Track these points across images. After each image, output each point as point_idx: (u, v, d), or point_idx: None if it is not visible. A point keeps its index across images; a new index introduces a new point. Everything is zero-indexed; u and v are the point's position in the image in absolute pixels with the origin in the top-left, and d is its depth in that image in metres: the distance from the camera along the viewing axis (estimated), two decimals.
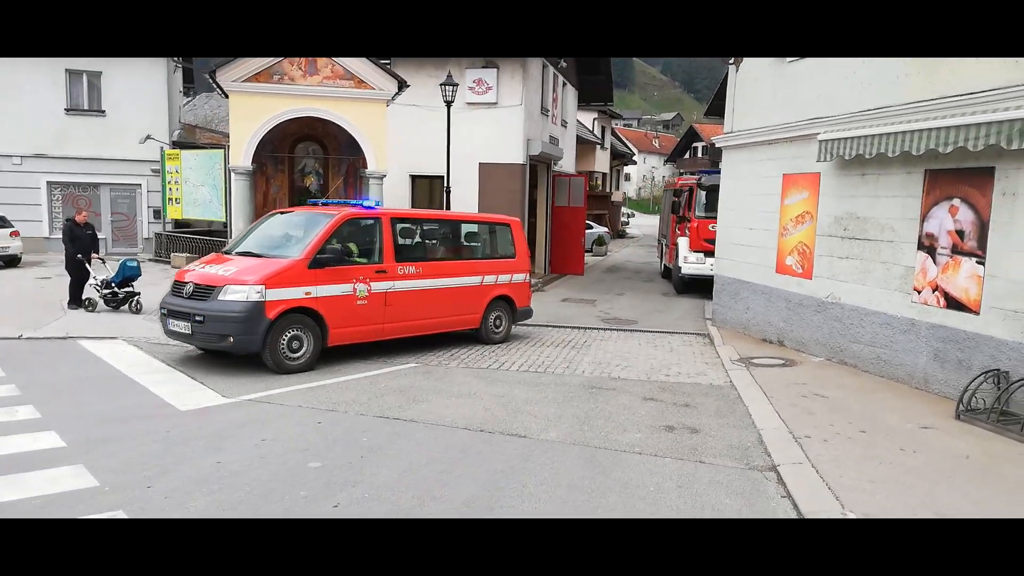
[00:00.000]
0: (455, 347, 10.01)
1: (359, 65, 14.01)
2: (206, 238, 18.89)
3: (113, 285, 11.58)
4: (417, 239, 9.96)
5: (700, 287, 16.61)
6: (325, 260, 8.34)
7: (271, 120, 13.87)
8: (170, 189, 19.74)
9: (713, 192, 15.48)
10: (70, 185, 21.27)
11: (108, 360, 8.50)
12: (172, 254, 19.01)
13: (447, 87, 15.56)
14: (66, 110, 20.84)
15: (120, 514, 4.29)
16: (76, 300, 11.71)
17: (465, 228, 10.87)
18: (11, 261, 17.62)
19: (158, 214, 21.21)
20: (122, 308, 11.59)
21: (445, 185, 15.62)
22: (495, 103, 18.01)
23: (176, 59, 22.22)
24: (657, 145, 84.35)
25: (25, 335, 9.63)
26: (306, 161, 15.63)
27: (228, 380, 7.71)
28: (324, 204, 9.88)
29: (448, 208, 15.98)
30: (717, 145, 12.70)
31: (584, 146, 32.43)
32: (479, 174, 18.12)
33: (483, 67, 17.87)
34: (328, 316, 8.34)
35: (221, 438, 5.86)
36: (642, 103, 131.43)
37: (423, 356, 9.33)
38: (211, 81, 14.21)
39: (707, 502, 4.83)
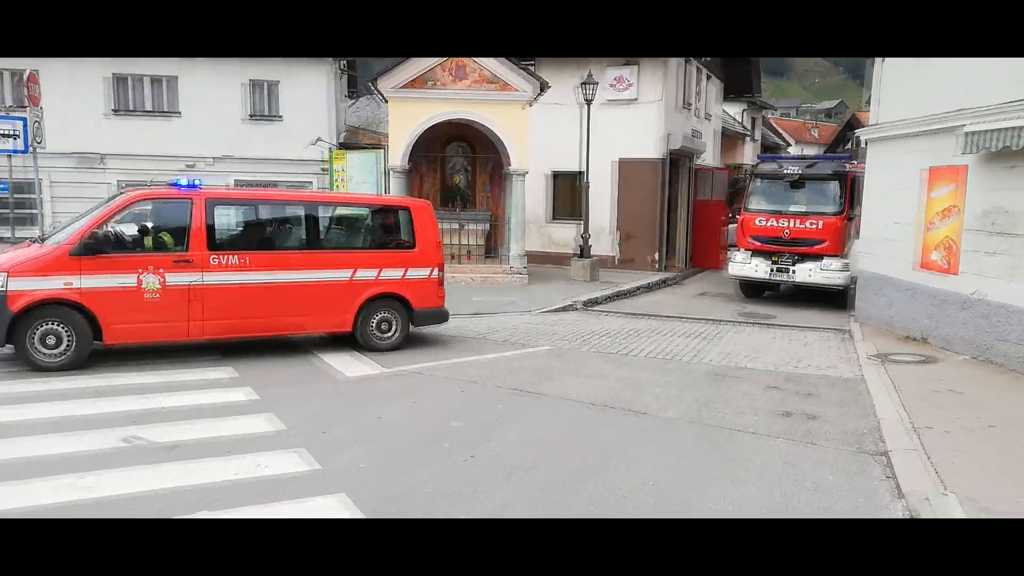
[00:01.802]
0: (588, 334, 10.61)
1: (503, 69, 14.90)
2: None
3: None
4: (248, 225, 8.70)
5: (761, 292, 15.16)
6: (95, 247, 7.39)
7: (425, 123, 15.07)
8: (337, 187, 21.74)
9: (766, 180, 14.63)
10: (252, 183, 23.88)
11: None
12: None
13: (586, 86, 16.18)
14: (249, 116, 23.43)
15: (304, 453, 5.29)
16: None
17: (327, 212, 9.39)
18: None
19: None
20: None
21: (582, 182, 16.26)
22: (635, 99, 18.39)
23: (341, 67, 24.29)
24: (816, 135, 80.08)
25: None
26: (455, 160, 16.77)
27: (386, 355, 8.78)
28: (177, 187, 8.20)
29: (586, 203, 16.60)
30: (862, 138, 12.44)
31: (730, 139, 31.80)
32: (618, 170, 18.58)
33: (623, 65, 18.29)
34: (100, 311, 7.44)
35: (380, 399, 6.86)
36: (802, 91, 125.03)
37: (558, 342, 10.01)
38: (372, 88, 15.64)
39: (808, 478, 5.16)
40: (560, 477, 5.03)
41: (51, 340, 7.33)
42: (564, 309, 12.71)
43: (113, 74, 22.64)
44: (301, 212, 8.94)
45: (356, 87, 29.74)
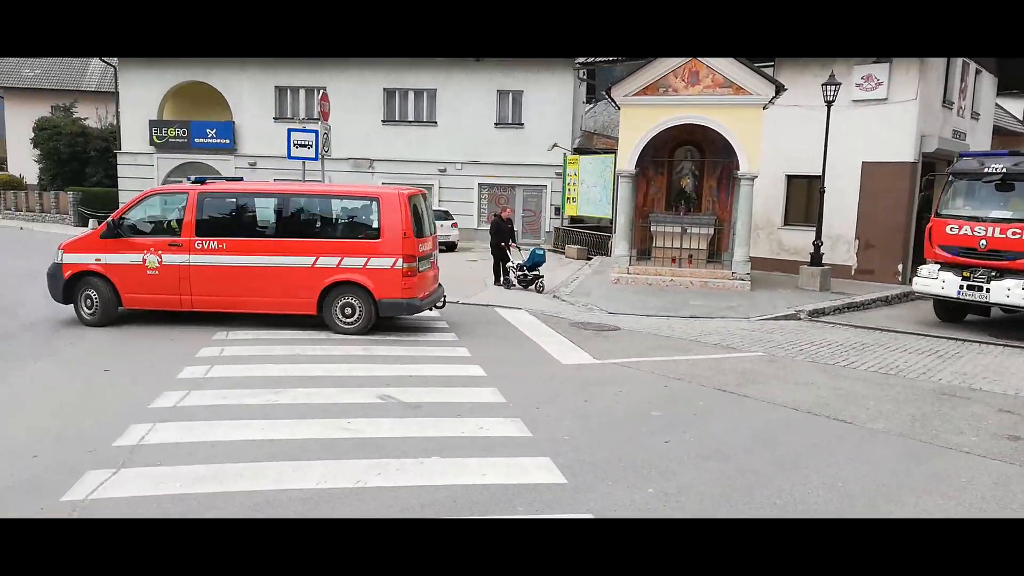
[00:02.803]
0: (807, 344, 10.43)
1: (738, 72, 14.85)
2: (594, 233, 21.55)
3: (524, 268, 14.43)
4: (230, 215, 9.77)
5: (962, 315, 12.46)
6: (114, 231, 9.55)
7: (654, 128, 15.50)
8: (569, 190, 22.91)
9: (963, 181, 12.25)
10: (494, 186, 25.91)
11: (514, 323, 10.98)
12: (567, 246, 22.09)
13: (829, 87, 15.53)
14: (495, 123, 25.44)
15: (519, 422, 6.14)
16: (497, 278, 14.85)
17: (298, 203, 9.92)
18: (451, 246, 22.42)
19: (558, 211, 24.64)
20: (529, 287, 14.33)
21: (820, 185, 15.65)
22: (885, 99, 17.20)
23: (581, 75, 25.44)
24: None
25: (461, 301, 12.76)
26: (683, 164, 16.98)
27: (600, 347, 9.46)
28: (194, 181, 9.90)
29: (820, 208, 15.94)
30: None
31: (1009, 139, 28.11)
32: (862, 174, 17.53)
33: (874, 62, 17.19)
34: (118, 282, 9.52)
35: (589, 384, 7.56)
36: None
37: (773, 349, 10.00)
38: (607, 97, 16.40)
39: (1018, 499, 4.95)
40: (749, 469, 5.35)
41: (87, 303, 9.66)
42: (786, 318, 12.47)
43: (384, 88, 25.84)
44: (274, 203, 9.86)
45: (595, 93, 30.86)
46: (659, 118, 15.45)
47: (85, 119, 33.19)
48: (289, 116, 26.32)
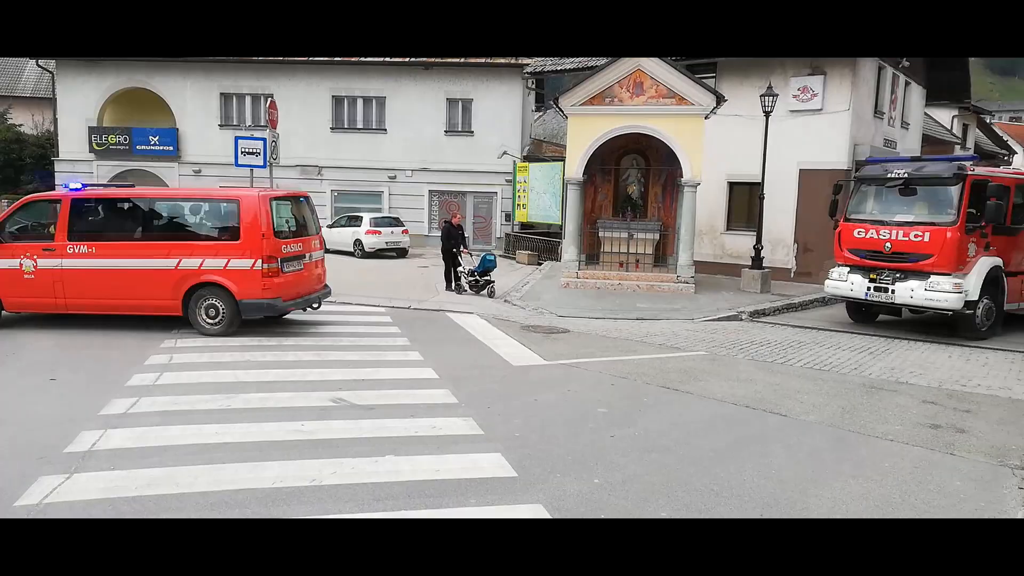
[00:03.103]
0: (747, 343, 10.86)
1: (680, 83, 15.35)
2: (544, 238, 21.87)
3: (476, 274, 14.60)
4: (100, 219, 10.08)
5: (873, 315, 12.89)
6: None
7: (601, 137, 15.88)
8: (519, 196, 23.19)
9: (868, 186, 12.50)
10: (444, 193, 26.03)
11: (465, 327, 11.15)
12: (517, 251, 22.35)
13: (766, 97, 16.17)
14: (445, 131, 25.59)
15: (471, 421, 6.32)
16: (448, 283, 14.99)
17: (163, 207, 10.26)
18: (401, 252, 22.47)
19: (508, 217, 24.90)
20: (480, 292, 14.51)
21: (760, 191, 16.26)
22: (820, 109, 17.95)
23: (530, 84, 25.79)
24: None
25: (412, 306, 12.86)
26: (630, 172, 17.42)
27: (550, 348, 9.71)
28: (71, 189, 10.29)
29: (760, 213, 16.56)
30: None
31: (937, 147, 29.51)
32: (799, 180, 18.24)
33: (809, 74, 17.95)
34: None
35: (538, 384, 7.79)
36: None
37: (715, 348, 10.40)
38: (555, 106, 16.74)
39: (935, 481, 5.34)
40: (688, 460, 5.64)
41: None
42: (728, 319, 12.94)
43: (332, 95, 25.75)
44: (142, 207, 10.20)
45: (543, 101, 31.29)
46: (605, 127, 15.84)
47: (20, 125, 32.16)
48: (235, 123, 26.00)
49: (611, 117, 15.80)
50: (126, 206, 10.35)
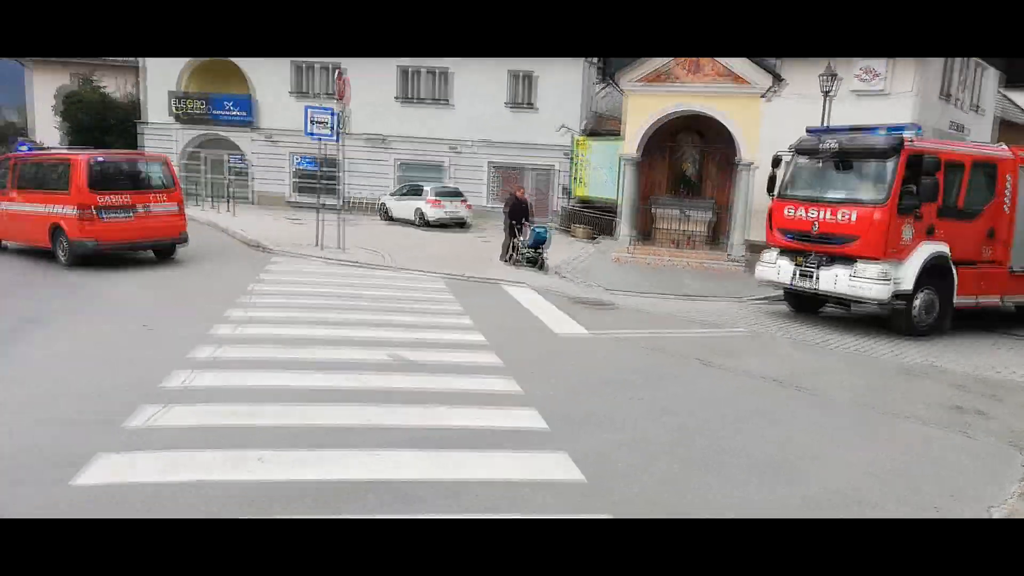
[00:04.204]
0: (793, 324, 11.14)
1: (738, 63, 15.44)
2: (601, 214, 22.22)
3: (528, 247, 15.17)
4: (27, 176, 13.24)
5: (816, 305, 11.70)
6: None
7: (658, 115, 16.15)
8: (578, 171, 23.54)
9: (804, 159, 11.18)
10: (504, 166, 26.58)
11: (516, 298, 11.77)
12: (573, 226, 22.79)
13: (826, 78, 16.11)
14: (507, 105, 26.06)
15: (512, 380, 6.94)
16: (505, 255, 15.59)
17: (45, 167, 13.19)
18: (461, 224, 23.19)
19: (566, 191, 25.31)
20: (533, 265, 15.08)
21: None
22: (883, 91, 17.76)
23: (594, 59, 25.95)
24: None
25: (468, 276, 13.55)
26: (685, 150, 17.62)
27: (595, 320, 10.25)
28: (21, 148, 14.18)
29: None
30: None
31: (1017, 130, 28.44)
32: None
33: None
34: None
35: (579, 352, 8.39)
36: None
37: (757, 327, 10.73)
38: (613, 83, 17.02)
39: (940, 455, 5.72)
40: (705, 424, 6.15)
41: None
42: (777, 299, 13.17)
43: (399, 67, 26.47)
44: (42, 167, 13.18)
45: (608, 75, 31.34)
46: (663, 106, 16.09)
47: (106, 87, 33.99)
48: (306, 92, 27.02)
49: (669, 96, 16.03)
50: (36, 166, 13.35)
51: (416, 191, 23.68)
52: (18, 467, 4.56)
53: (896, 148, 10.02)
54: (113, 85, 34.95)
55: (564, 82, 25.50)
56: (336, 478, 4.61)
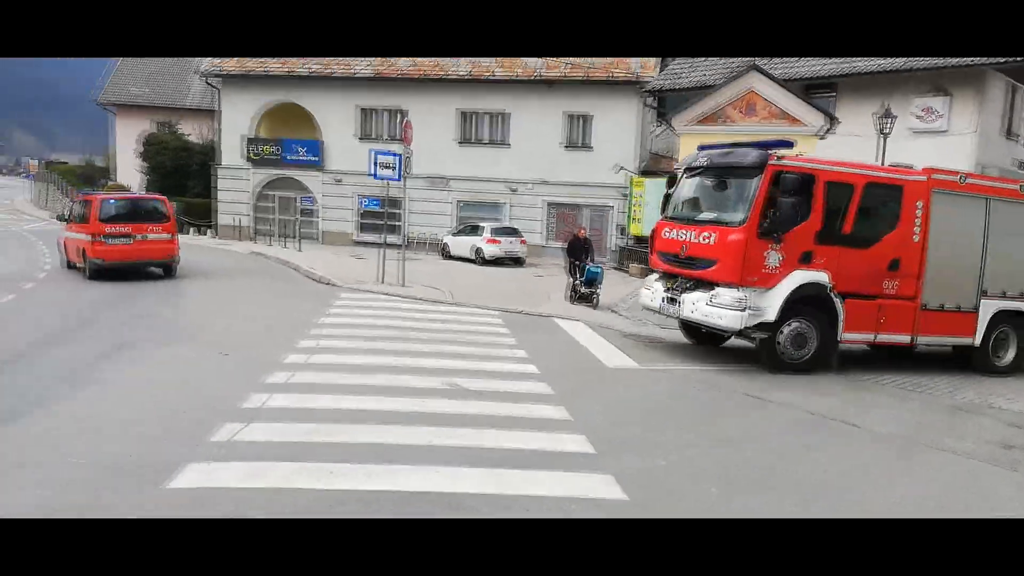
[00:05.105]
0: (840, 358, 11.18)
1: (792, 104, 15.73)
2: None
3: (581, 284, 15.55)
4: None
5: (715, 338, 10.93)
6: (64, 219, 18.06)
7: None
8: (634, 210, 23.93)
9: (687, 176, 10.63)
10: (561, 205, 27.15)
11: (570, 332, 12.14)
12: (630, 264, 23.09)
13: (883, 119, 16.19)
14: (564, 146, 26.72)
15: (562, 408, 7.30)
16: (568, 293, 15.90)
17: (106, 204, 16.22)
18: (518, 261, 23.78)
19: (622, 230, 25.67)
20: (586, 302, 15.42)
21: None
22: (944, 131, 17.67)
23: (649, 101, 26.46)
24: None
25: (522, 310, 14.00)
26: None
27: (645, 355, 10.54)
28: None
29: None
30: None
31: None
32: None
33: (933, 95, 17.70)
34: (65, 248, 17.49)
35: (628, 383, 8.72)
36: None
37: None
38: (667, 125, 17.46)
39: (986, 490, 5.82)
40: (749, 452, 6.37)
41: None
42: None
43: (459, 110, 27.49)
44: (81, 205, 16.96)
45: (664, 114, 31.80)
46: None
47: (187, 135, 36.16)
48: (371, 135, 28.27)
49: (722, 136, 16.30)
50: (82, 204, 16.87)
51: (474, 229, 24.44)
52: (119, 472, 5.15)
53: (759, 165, 9.36)
54: (192, 130, 37.21)
55: (619, 122, 26.04)
56: (397, 489, 5.05)
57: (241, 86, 29.04)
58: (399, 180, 15.93)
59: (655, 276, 11.01)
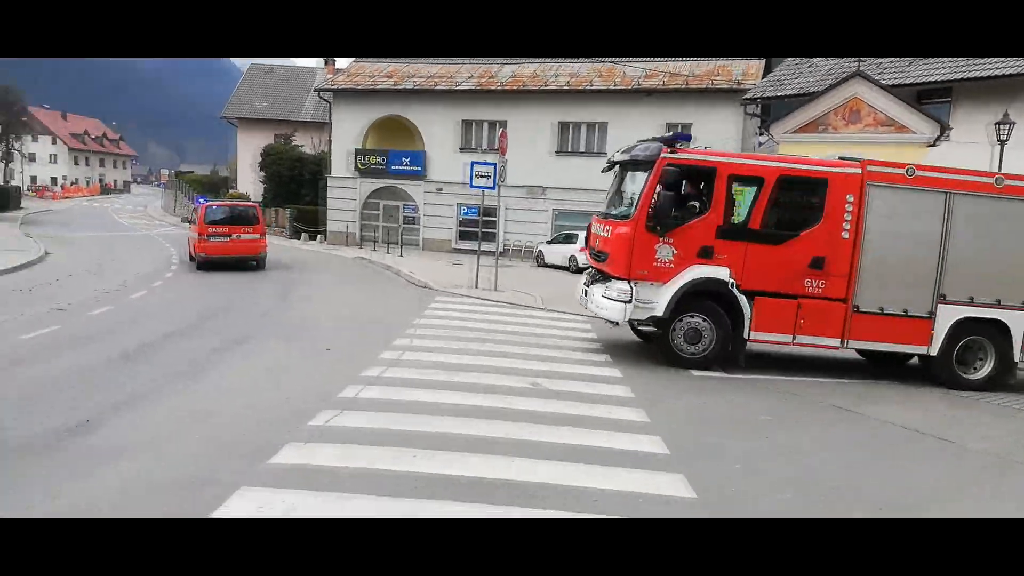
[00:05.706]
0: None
1: (899, 110, 15.14)
2: None
3: None
4: (218, 216, 19.34)
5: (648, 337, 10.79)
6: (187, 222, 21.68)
7: None
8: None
9: (631, 169, 10.18)
10: None
11: None
12: None
13: (1001, 126, 15.34)
14: None
15: (642, 411, 7.45)
16: None
17: (215, 210, 19.78)
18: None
19: None
20: None
21: None
22: None
23: (749, 109, 25.93)
24: None
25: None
26: None
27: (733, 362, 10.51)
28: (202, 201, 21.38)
29: None
30: None
31: None
32: None
33: None
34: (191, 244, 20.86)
35: (712, 391, 8.79)
36: None
37: (904, 376, 10.46)
38: (767, 134, 17.16)
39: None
40: (828, 463, 6.34)
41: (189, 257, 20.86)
42: None
43: (558, 122, 27.89)
44: (194, 211, 21.45)
45: (768, 123, 31.04)
46: (817, 155, 15.95)
47: (301, 146, 38.34)
48: (472, 147, 29.11)
49: (823, 145, 15.87)
50: (195, 210, 20.48)
51: (569, 238, 24.70)
52: (229, 448, 5.75)
53: (652, 159, 9.34)
54: (305, 142, 39.41)
55: (719, 131, 25.67)
56: (475, 475, 5.39)
57: (351, 100, 30.57)
58: (494, 189, 16.43)
59: (590, 273, 11.01)
